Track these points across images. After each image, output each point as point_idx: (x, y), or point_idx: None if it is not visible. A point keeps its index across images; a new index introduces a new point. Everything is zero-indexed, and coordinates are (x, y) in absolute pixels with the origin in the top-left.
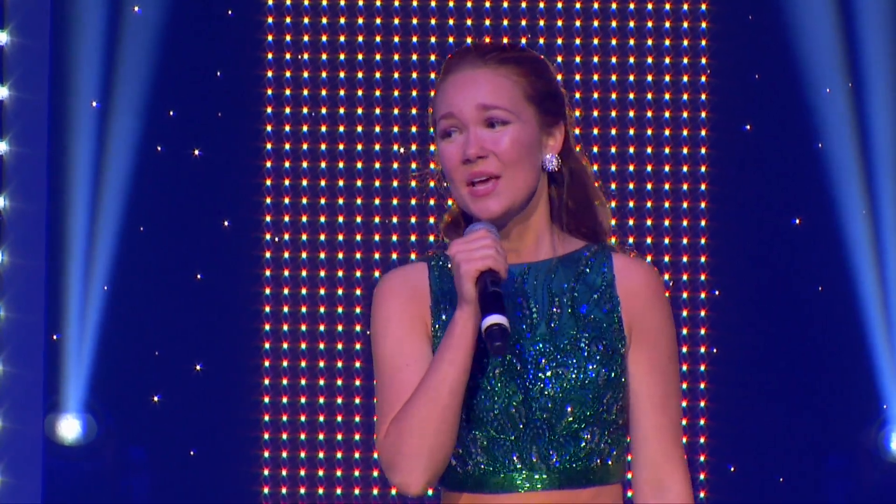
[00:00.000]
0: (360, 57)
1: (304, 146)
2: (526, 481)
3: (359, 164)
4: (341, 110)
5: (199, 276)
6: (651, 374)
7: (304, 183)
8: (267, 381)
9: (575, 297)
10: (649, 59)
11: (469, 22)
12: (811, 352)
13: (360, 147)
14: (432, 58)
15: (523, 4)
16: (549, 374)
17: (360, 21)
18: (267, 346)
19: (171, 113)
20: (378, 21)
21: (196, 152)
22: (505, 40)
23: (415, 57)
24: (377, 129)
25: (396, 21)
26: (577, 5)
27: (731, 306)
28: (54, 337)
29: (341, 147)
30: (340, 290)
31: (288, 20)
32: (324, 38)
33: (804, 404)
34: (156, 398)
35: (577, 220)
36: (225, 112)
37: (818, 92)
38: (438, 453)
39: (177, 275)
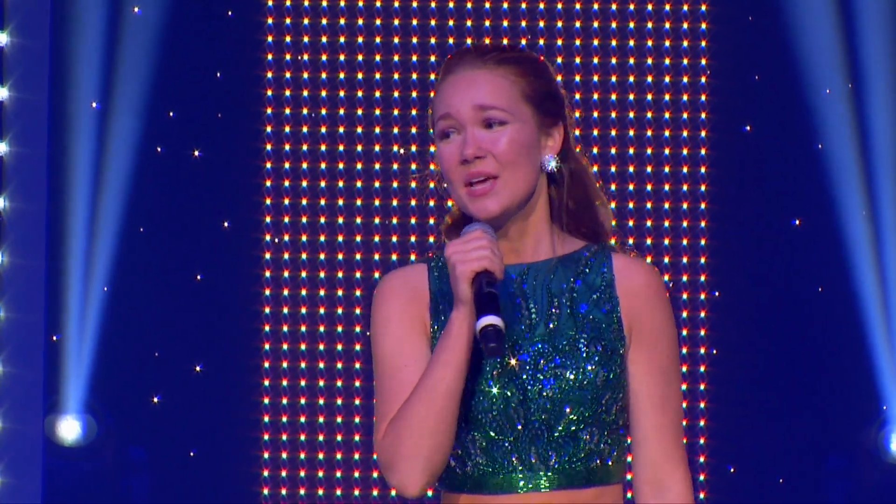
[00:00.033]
0: (359, 58)
1: (304, 147)
2: (525, 482)
3: (359, 165)
4: (341, 111)
5: (198, 277)
6: (651, 375)
7: (304, 184)
8: (267, 382)
9: (574, 297)
10: (649, 60)
11: (469, 23)
12: (811, 352)
13: (359, 148)
14: (432, 59)
15: (523, 5)
16: (547, 374)
17: (360, 22)
18: (267, 346)
19: (171, 114)
20: (378, 22)
21: (196, 153)
22: (505, 41)
23: (415, 58)
24: (377, 130)
25: (396, 22)
26: (577, 6)
27: (730, 307)
28: (54, 337)
29: (341, 148)
30: (340, 291)
31: (288, 21)
32: (324, 39)
33: (804, 405)
34: (156, 399)
35: (578, 220)
36: (225, 113)
37: (818, 93)
38: (436, 454)
39: (177, 275)
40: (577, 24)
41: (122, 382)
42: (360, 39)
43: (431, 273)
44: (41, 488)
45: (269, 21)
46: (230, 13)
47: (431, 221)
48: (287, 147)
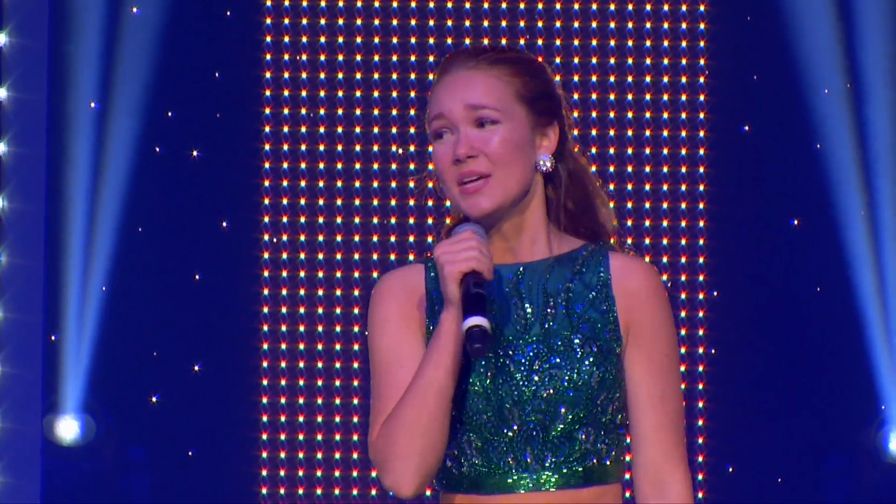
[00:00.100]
0: (358, 58)
1: (303, 147)
2: (521, 482)
3: (357, 165)
4: (340, 111)
5: (197, 277)
6: (650, 374)
7: (303, 184)
8: (265, 382)
9: (570, 297)
10: (648, 60)
11: (467, 23)
12: (810, 352)
13: (358, 148)
14: (430, 59)
15: (522, 5)
16: (542, 375)
17: (359, 22)
18: (265, 346)
19: (170, 114)
20: (376, 22)
21: (195, 153)
22: (503, 41)
23: (413, 58)
24: (375, 129)
25: (395, 22)
26: (576, 6)
27: (729, 307)
28: (53, 337)
29: (340, 148)
30: (339, 291)
31: (286, 21)
32: (322, 39)
33: (803, 404)
34: (154, 398)
35: (577, 220)
36: (223, 113)
37: (817, 93)
38: (429, 455)
39: (175, 275)
40: (576, 24)
41: (120, 382)
42: (359, 40)
43: (428, 273)
44: (40, 488)
45: (268, 21)
46: (229, 13)
47: (430, 221)
48: (285, 147)
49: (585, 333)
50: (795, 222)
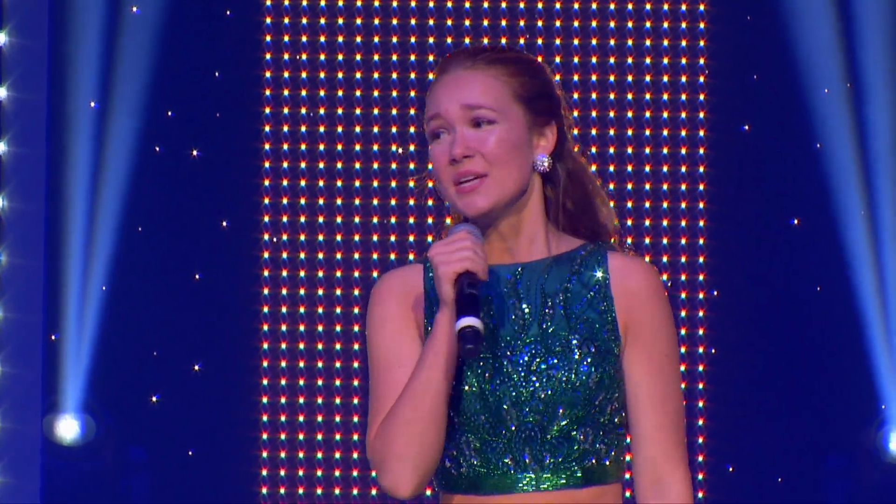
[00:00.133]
0: (358, 57)
1: (303, 146)
2: (520, 483)
3: (357, 165)
4: (340, 111)
5: (197, 277)
6: (650, 374)
7: (303, 183)
8: (265, 382)
9: (568, 297)
10: (648, 60)
11: (467, 22)
12: (810, 352)
13: (358, 147)
14: (430, 58)
15: (521, 5)
16: (540, 376)
17: (359, 21)
18: (265, 346)
19: (170, 113)
20: (376, 21)
21: (194, 153)
22: (503, 41)
23: (413, 57)
24: (375, 129)
25: (395, 21)
26: (576, 6)
27: (729, 307)
28: (53, 337)
29: (339, 147)
30: (339, 291)
31: (286, 20)
32: (322, 39)
33: (803, 404)
34: (154, 398)
35: (576, 220)
36: (223, 112)
37: (817, 92)
38: (426, 455)
39: (175, 275)
40: (576, 23)
41: (120, 382)
42: (359, 39)
43: (427, 274)
44: (40, 488)
45: (268, 21)
46: (229, 13)
47: (430, 221)
48: (285, 147)
49: (583, 334)
50: (795, 222)
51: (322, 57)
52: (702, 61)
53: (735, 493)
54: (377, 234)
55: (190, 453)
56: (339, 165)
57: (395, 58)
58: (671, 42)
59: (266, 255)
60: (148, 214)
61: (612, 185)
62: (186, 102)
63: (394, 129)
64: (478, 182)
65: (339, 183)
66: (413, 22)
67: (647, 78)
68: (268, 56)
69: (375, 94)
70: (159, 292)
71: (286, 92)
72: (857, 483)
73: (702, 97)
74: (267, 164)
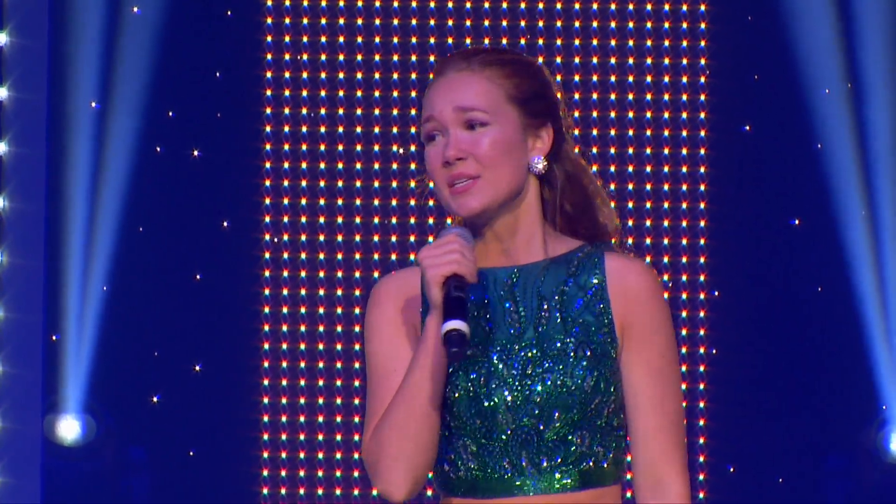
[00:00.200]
0: (359, 58)
1: (304, 147)
2: (518, 486)
3: (358, 165)
4: (340, 111)
5: (198, 277)
6: (648, 376)
7: (304, 183)
8: (266, 382)
9: (564, 299)
10: (648, 60)
11: (468, 23)
12: (810, 352)
13: (359, 148)
14: (431, 58)
15: (522, 5)
16: (535, 379)
17: (359, 22)
18: (266, 346)
19: (171, 113)
20: (377, 22)
21: (195, 153)
22: (504, 41)
23: (414, 58)
24: (376, 129)
25: (395, 22)
26: (577, 6)
27: (730, 307)
28: (53, 337)
29: (340, 148)
30: (340, 291)
31: (287, 21)
32: (323, 39)
33: (803, 404)
34: (155, 398)
35: (575, 221)
36: (224, 113)
37: (817, 93)
38: (420, 458)
39: (176, 275)
40: (576, 23)
41: (121, 382)
42: (360, 39)
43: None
44: (40, 488)
45: (269, 21)
46: (229, 13)
47: (431, 221)
48: (286, 147)
49: (579, 337)
50: (796, 222)
51: (323, 57)
52: (702, 61)
53: (736, 493)
54: (378, 235)
55: (190, 453)
56: (340, 166)
57: (396, 58)
58: (672, 42)
59: (267, 255)
60: (148, 214)
61: (612, 185)
62: (187, 102)
63: (395, 130)
64: (470, 183)
65: (340, 183)
66: (414, 22)
67: (648, 78)
68: (268, 56)
69: (376, 94)
70: (160, 292)
71: (287, 92)
72: (857, 483)
73: (702, 97)
74: (268, 165)
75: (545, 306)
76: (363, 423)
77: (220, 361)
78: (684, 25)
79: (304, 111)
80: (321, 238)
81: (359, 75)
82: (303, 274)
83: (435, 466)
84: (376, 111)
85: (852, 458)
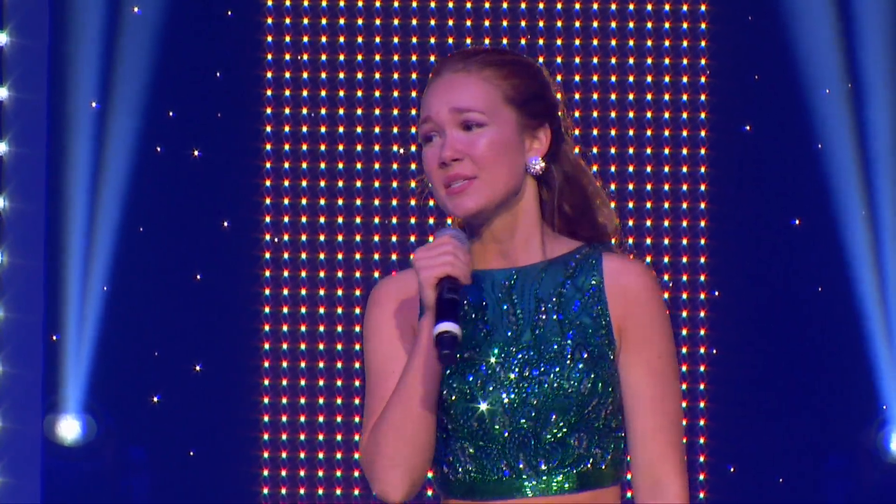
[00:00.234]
0: (359, 58)
1: (304, 147)
2: (516, 488)
3: (358, 165)
4: (341, 111)
5: (198, 277)
6: (647, 376)
7: (304, 183)
8: (266, 382)
9: (562, 301)
10: (649, 60)
11: (468, 23)
12: (810, 352)
13: (359, 148)
14: (431, 58)
15: (523, 5)
16: (532, 382)
17: (360, 22)
18: (266, 346)
19: (171, 113)
20: (377, 22)
21: (195, 153)
22: (504, 41)
23: (414, 58)
24: (377, 129)
25: (396, 22)
26: (577, 6)
27: (730, 307)
28: (53, 337)
29: (341, 148)
30: (340, 291)
31: (287, 21)
32: (323, 39)
33: (803, 404)
34: (155, 398)
35: (574, 222)
36: (224, 113)
37: (817, 93)
38: (416, 460)
39: (176, 275)
40: (577, 23)
41: (121, 382)
42: (360, 39)
43: None
44: (40, 488)
45: (269, 21)
46: (230, 13)
47: (431, 221)
48: (286, 147)
49: (576, 339)
50: (796, 222)
51: (323, 57)
52: (703, 62)
53: (736, 493)
54: (378, 235)
55: (190, 453)
56: (341, 166)
57: (396, 58)
58: (672, 42)
59: (267, 255)
60: (148, 214)
61: (613, 185)
62: (187, 102)
63: (395, 130)
64: (467, 184)
65: (340, 183)
66: (414, 22)
67: (649, 78)
68: (269, 56)
69: (377, 94)
70: (160, 292)
71: (287, 92)
72: (857, 483)
73: (703, 97)
74: (268, 165)
75: (542, 308)
76: (362, 424)
77: (220, 361)
78: (684, 25)
79: (305, 111)
80: (321, 238)
81: (359, 75)
82: (303, 274)
83: (434, 468)
84: (377, 111)
85: (852, 458)
